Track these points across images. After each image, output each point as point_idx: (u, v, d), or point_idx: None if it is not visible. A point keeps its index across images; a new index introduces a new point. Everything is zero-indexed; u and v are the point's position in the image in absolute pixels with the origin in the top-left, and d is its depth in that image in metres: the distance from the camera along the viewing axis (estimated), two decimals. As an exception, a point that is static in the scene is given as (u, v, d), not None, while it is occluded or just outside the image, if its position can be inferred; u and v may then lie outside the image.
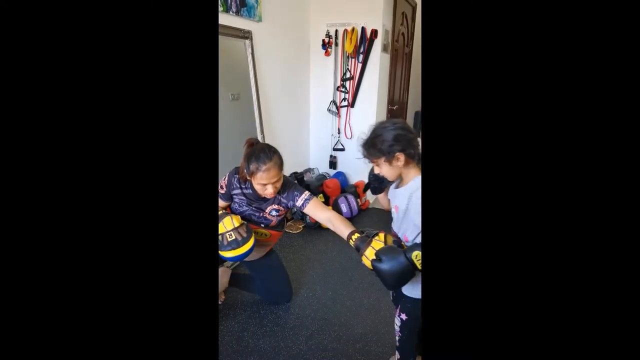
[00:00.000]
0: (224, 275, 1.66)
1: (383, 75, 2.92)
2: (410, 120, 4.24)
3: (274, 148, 1.30)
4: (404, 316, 1.10)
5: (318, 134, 3.10)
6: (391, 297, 1.26)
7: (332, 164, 3.11)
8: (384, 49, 2.81)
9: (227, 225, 1.27)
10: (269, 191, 1.30)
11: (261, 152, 1.25)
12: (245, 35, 2.05)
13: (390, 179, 1.05)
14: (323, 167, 3.15)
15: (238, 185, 1.39)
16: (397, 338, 1.16)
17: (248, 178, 1.32)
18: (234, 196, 1.41)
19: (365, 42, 2.69)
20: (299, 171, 2.92)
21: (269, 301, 1.69)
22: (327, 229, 2.46)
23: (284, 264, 1.74)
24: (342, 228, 1.20)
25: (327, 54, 2.81)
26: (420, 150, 0.98)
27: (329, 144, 3.07)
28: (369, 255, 1.02)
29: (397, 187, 1.09)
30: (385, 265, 0.93)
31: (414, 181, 1.00)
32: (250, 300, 1.69)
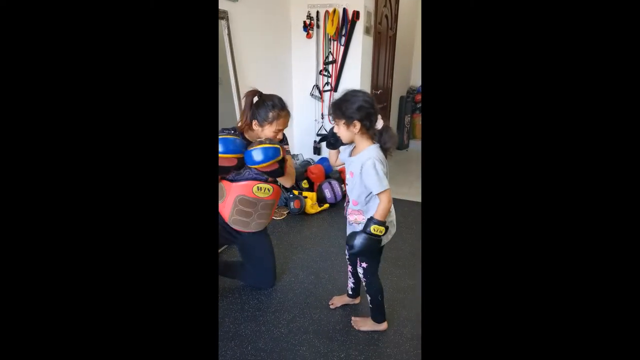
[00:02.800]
0: None
1: (366, 59, 2.88)
2: (395, 105, 4.22)
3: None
4: (364, 264, 1.31)
5: (301, 119, 3.06)
6: (347, 257, 1.46)
7: (317, 149, 3.09)
8: (367, 31, 2.77)
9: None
10: (279, 137, 1.41)
11: (277, 100, 1.36)
12: (221, 15, 1.98)
13: (344, 140, 1.21)
14: (307, 153, 3.13)
15: None
16: (363, 284, 1.37)
17: (257, 127, 1.36)
18: None
19: (347, 24, 2.64)
20: (282, 157, 2.89)
21: (252, 287, 1.68)
22: (311, 215, 2.47)
23: (266, 249, 1.72)
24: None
25: (308, 36, 2.76)
26: (376, 126, 1.15)
27: (312, 129, 3.04)
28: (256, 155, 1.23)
29: (350, 154, 1.24)
30: (357, 246, 1.14)
31: (366, 150, 1.16)
32: (232, 286, 1.68)
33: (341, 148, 1.31)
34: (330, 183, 2.64)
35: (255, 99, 1.38)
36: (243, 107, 1.40)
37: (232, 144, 1.23)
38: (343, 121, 1.14)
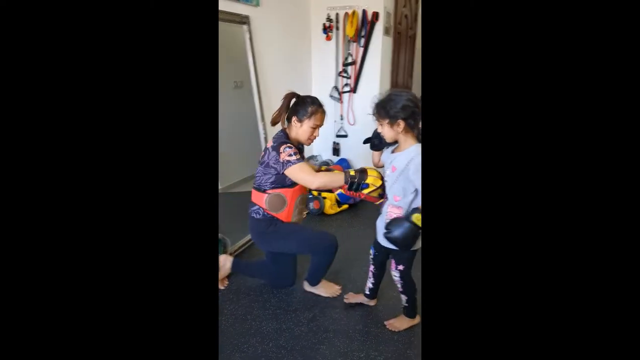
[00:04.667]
0: (226, 261, 1.68)
1: (385, 59, 2.88)
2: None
3: None
4: (401, 267, 1.31)
5: (321, 120, 3.08)
6: (371, 257, 1.46)
7: (335, 150, 3.10)
8: (386, 32, 2.76)
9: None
10: (315, 134, 1.46)
11: (314, 98, 1.45)
12: (243, 20, 2.03)
13: (388, 140, 1.22)
14: (326, 154, 3.15)
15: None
16: (399, 286, 1.37)
17: (297, 123, 1.42)
18: None
19: (366, 25, 2.65)
20: (302, 158, 2.92)
21: (273, 286, 1.71)
22: (331, 215, 2.48)
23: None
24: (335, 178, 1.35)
25: (328, 38, 2.78)
26: (420, 125, 1.13)
27: (331, 130, 3.06)
28: (372, 182, 1.30)
29: (393, 151, 1.25)
30: (396, 232, 1.14)
31: (414, 147, 1.17)
32: (254, 285, 1.72)
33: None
34: (349, 184, 2.65)
35: (294, 100, 1.47)
36: (279, 108, 1.48)
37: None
38: (387, 120, 1.16)
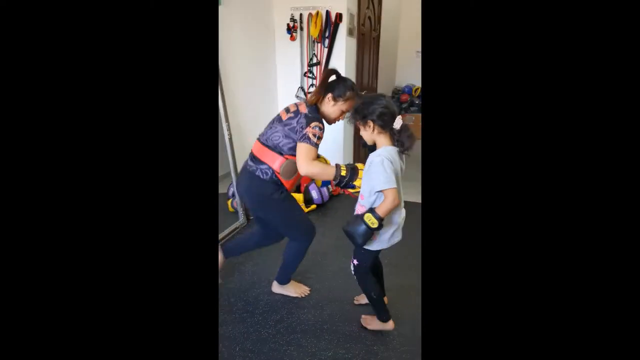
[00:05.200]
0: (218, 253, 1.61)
1: (350, 61, 2.91)
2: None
3: None
4: (355, 261, 1.36)
5: (287, 121, 3.07)
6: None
7: (303, 151, 3.09)
8: (350, 33, 2.80)
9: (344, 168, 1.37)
10: (342, 117, 1.46)
11: (354, 83, 1.44)
12: (204, 19, 1.98)
13: (367, 142, 1.27)
14: (294, 155, 3.13)
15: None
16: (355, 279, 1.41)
17: (331, 101, 1.40)
18: None
19: (330, 26, 2.67)
20: (269, 159, 2.89)
21: (262, 246, 1.67)
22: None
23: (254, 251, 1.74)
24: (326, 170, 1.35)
25: (292, 38, 2.77)
26: (395, 126, 1.16)
27: (298, 130, 3.05)
28: (358, 184, 1.30)
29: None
30: (349, 227, 1.21)
31: (382, 148, 1.21)
32: (220, 290, 1.68)
33: None
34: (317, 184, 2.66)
35: (333, 77, 1.43)
36: (319, 82, 1.51)
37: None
38: (360, 122, 1.22)
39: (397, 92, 4.65)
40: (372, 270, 1.38)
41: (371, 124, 1.19)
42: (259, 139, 1.46)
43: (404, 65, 4.74)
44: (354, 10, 2.85)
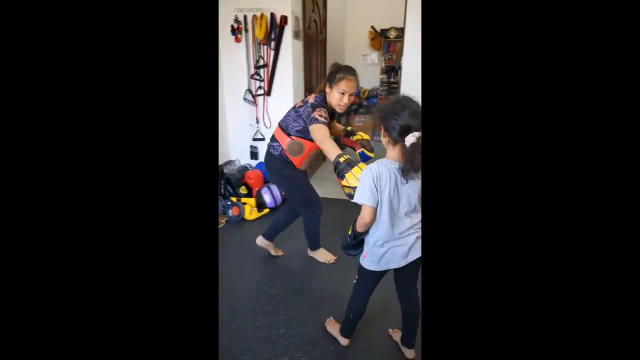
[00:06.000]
0: (261, 242, 1.96)
1: (297, 63, 2.91)
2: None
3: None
4: (355, 278, 1.27)
5: (235, 124, 3.00)
6: None
7: (253, 154, 3.05)
8: (296, 35, 2.80)
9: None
10: (344, 101, 1.58)
11: (346, 66, 1.59)
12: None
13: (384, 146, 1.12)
14: (244, 159, 3.07)
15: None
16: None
17: (329, 89, 1.59)
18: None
19: (275, 28, 2.65)
20: (218, 163, 2.81)
21: (289, 223, 1.93)
22: (251, 221, 2.43)
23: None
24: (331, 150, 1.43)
25: (237, 40, 2.71)
26: (406, 142, 0.99)
27: (248, 134, 3.00)
28: (349, 178, 1.26)
29: None
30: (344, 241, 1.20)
31: (379, 160, 1.08)
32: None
33: None
34: (269, 188, 2.62)
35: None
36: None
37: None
38: (378, 125, 1.09)
39: (345, 94, 4.75)
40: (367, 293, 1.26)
41: (382, 131, 1.05)
42: (278, 123, 1.73)
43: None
44: (299, 13, 2.86)
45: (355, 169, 1.26)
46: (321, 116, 1.53)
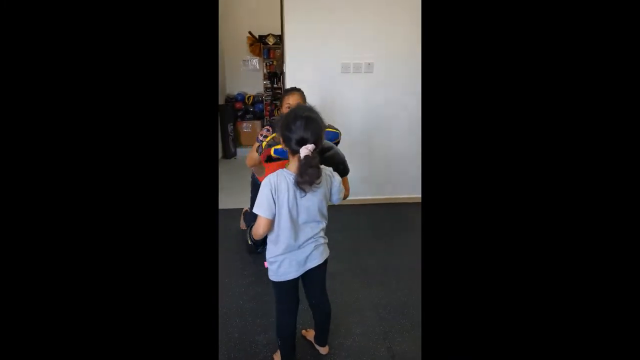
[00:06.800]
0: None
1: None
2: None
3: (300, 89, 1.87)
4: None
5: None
6: None
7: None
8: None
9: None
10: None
11: (294, 87, 1.89)
12: None
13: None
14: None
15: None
16: None
17: (281, 111, 1.86)
18: None
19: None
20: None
21: None
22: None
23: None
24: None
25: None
26: (300, 151, 0.99)
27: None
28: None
29: None
30: None
31: (279, 170, 1.07)
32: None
33: None
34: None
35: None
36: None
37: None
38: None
39: (230, 100, 4.67)
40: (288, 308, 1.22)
41: (281, 140, 1.05)
42: None
43: (233, 73, 4.80)
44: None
45: (271, 149, 1.39)
46: (262, 135, 1.78)
